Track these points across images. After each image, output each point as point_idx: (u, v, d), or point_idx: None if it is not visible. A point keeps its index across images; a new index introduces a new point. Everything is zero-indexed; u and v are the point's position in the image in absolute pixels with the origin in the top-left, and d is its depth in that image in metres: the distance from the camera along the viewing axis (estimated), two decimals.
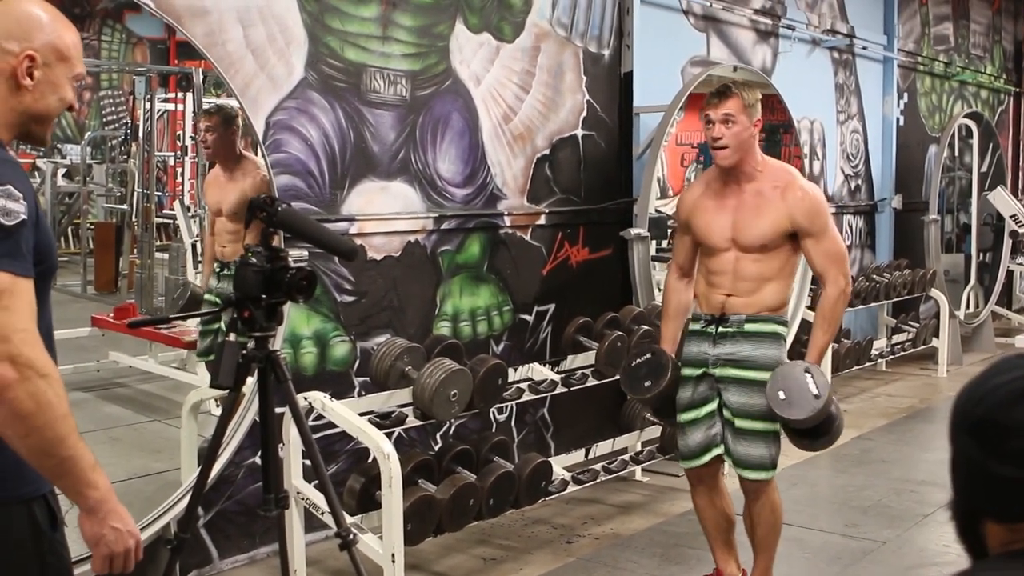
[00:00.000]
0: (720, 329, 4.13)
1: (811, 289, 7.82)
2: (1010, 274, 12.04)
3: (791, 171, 4.22)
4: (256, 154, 4.86)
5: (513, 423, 6.13)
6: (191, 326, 5.03)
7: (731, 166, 4.09)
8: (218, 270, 4.82)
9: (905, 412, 8.11)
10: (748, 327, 4.10)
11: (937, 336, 9.73)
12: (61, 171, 5.47)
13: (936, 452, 7.06)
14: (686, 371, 4.23)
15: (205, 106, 5.03)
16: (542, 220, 6.19)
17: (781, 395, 3.91)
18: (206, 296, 4.88)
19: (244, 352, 3.21)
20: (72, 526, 2.15)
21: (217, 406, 4.57)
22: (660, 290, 6.95)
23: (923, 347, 9.71)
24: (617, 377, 5.48)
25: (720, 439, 4.18)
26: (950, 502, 1.35)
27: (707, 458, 4.20)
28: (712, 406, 4.18)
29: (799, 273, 7.59)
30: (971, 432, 1.29)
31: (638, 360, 4.31)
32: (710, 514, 4.33)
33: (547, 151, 6.22)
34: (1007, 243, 11.19)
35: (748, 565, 4.38)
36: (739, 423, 4.11)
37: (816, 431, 4.09)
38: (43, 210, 2.03)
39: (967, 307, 10.80)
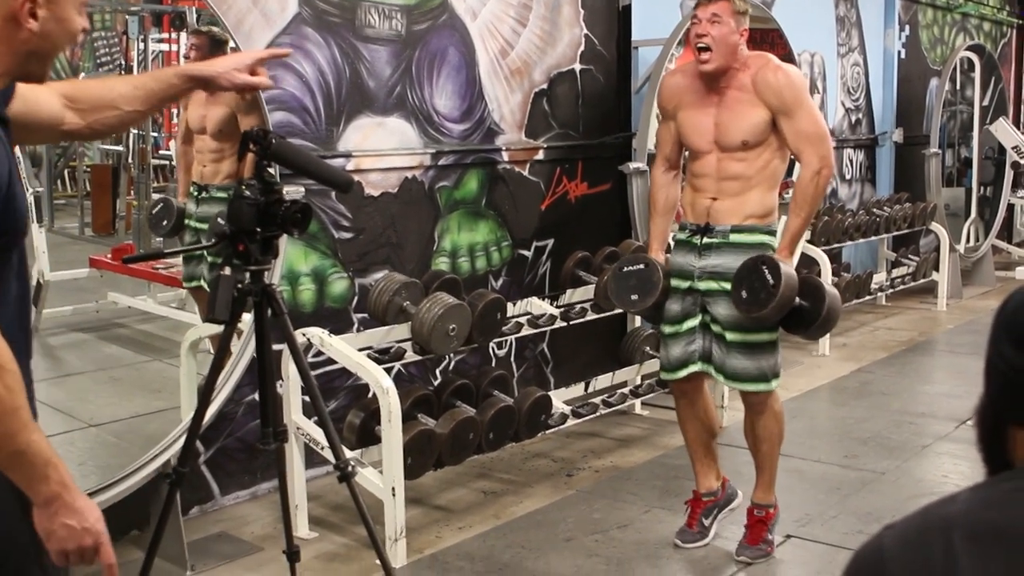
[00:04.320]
0: (705, 240, 4.06)
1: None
2: (1011, 208, 12.01)
3: (767, 55, 4.11)
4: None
5: (512, 358, 6.14)
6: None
7: (714, 72, 4.01)
8: (196, 193, 4.75)
9: (905, 345, 8.13)
10: (734, 237, 4.03)
11: (937, 270, 9.72)
12: None
13: (935, 384, 7.08)
14: (674, 282, 4.17)
15: (197, 25, 4.97)
16: (540, 155, 6.16)
17: (744, 294, 3.87)
18: (187, 222, 4.83)
19: (239, 285, 3.20)
20: None
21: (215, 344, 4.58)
22: None
23: (923, 281, 9.70)
24: (617, 311, 5.51)
25: (699, 356, 4.15)
26: (977, 413, 1.34)
27: (683, 373, 4.19)
28: (693, 322, 4.13)
29: None
30: (1012, 337, 1.27)
31: (629, 268, 4.26)
32: (691, 425, 4.34)
33: (545, 86, 6.17)
34: (1008, 176, 11.14)
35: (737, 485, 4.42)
36: (731, 336, 4.05)
37: (799, 320, 4.00)
38: (17, 170, 1.90)
39: (967, 241, 10.78)
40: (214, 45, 4.70)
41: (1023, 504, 1.20)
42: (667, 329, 4.21)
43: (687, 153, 4.29)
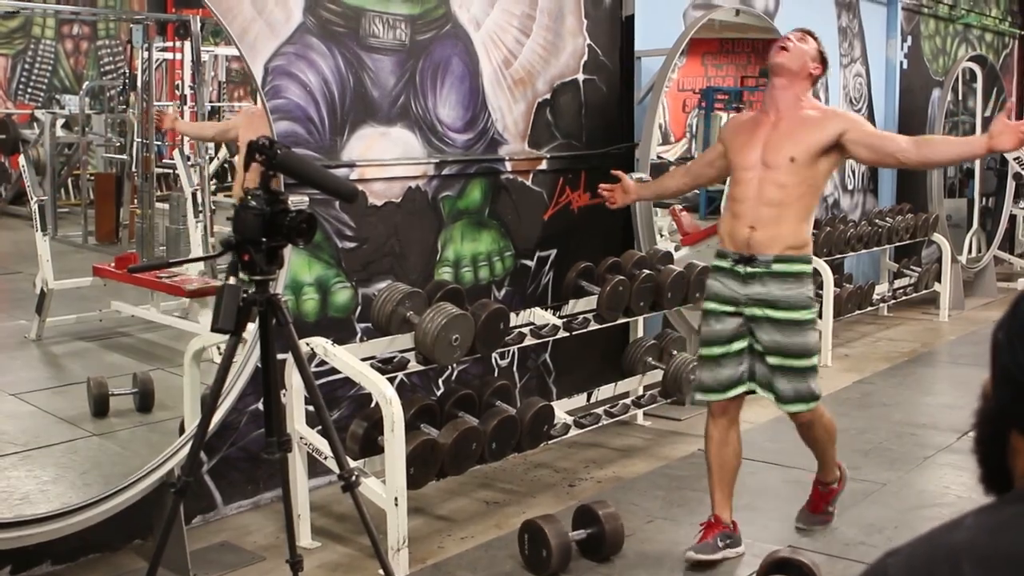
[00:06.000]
0: (749, 269, 4.20)
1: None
2: (1013, 219, 12.01)
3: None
4: (255, 101, 4.82)
5: (515, 368, 6.14)
6: (192, 275, 5.03)
7: (780, 68, 4.24)
8: None
9: (906, 356, 8.13)
10: (776, 267, 4.19)
11: (939, 281, 9.73)
12: (60, 122, 5.44)
13: (937, 396, 7.09)
14: (712, 305, 4.32)
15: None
16: (543, 165, 6.17)
17: None
18: None
19: (244, 295, 3.21)
20: None
21: (219, 353, 4.58)
22: (661, 236, 6.94)
23: (925, 292, 9.71)
24: (619, 323, 5.52)
25: (747, 376, 4.29)
26: (979, 420, 1.33)
27: (732, 393, 4.30)
28: (743, 343, 4.27)
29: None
30: None
31: None
32: (724, 451, 4.35)
33: (548, 96, 6.18)
34: (1010, 187, 11.15)
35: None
36: (772, 360, 4.21)
37: None
38: None
39: (969, 252, 10.79)
40: None
41: None
42: (716, 351, 4.30)
43: (728, 180, 4.51)
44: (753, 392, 4.33)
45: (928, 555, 1.21)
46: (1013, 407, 1.27)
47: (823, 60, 4.34)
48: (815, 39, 4.34)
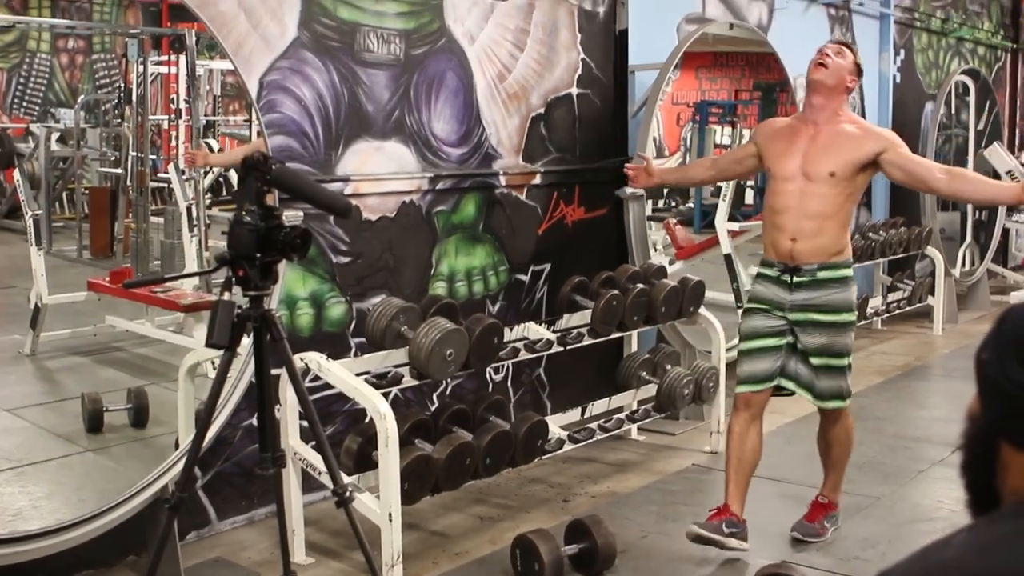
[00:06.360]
0: (795, 279, 4.38)
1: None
2: (1006, 232, 12.03)
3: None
4: (251, 116, 4.83)
5: (509, 383, 6.14)
6: (186, 289, 5.03)
7: (819, 85, 4.37)
8: None
9: (900, 370, 8.13)
10: (821, 274, 4.37)
11: (932, 294, 9.73)
12: (55, 135, 5.45)
13: (931, 409, 7.09)
14: (756, 305, 4.50)
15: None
16: (537, 179, 6.17)
17: None
18: None
19: (238, 311, 3.21)
20: None
21: (214, 368, 4.58)
22: (656, 250, 6.95)
23: (918, 305, 9.71)
24: (613, 337, 5.53)
25: (782, 372, 4.46)
26: (968, 436, 1.32)
27: (767, 386, 4.47)
28: (782, 341, 4.44)
29: None
30: (1021, 357, 1.25)
31: None
32: (739, 445, 4.45)
33: (542, 110, 6.19)
34: None
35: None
36: (815, 360, 4.42)
37: None
38: None
39: (963, 265, 10.79)
40: None
41: (1016, 549, 1.19)
42: (755, 344, 4.48)
43: (768, 187, 4.59)
44: (782, 388, 4.49)
45: (922, 572, 1.22)
46: (1004, 421, 1.28)
47: (859, 71, 4.46)
48: (852, 51, 4.46)
